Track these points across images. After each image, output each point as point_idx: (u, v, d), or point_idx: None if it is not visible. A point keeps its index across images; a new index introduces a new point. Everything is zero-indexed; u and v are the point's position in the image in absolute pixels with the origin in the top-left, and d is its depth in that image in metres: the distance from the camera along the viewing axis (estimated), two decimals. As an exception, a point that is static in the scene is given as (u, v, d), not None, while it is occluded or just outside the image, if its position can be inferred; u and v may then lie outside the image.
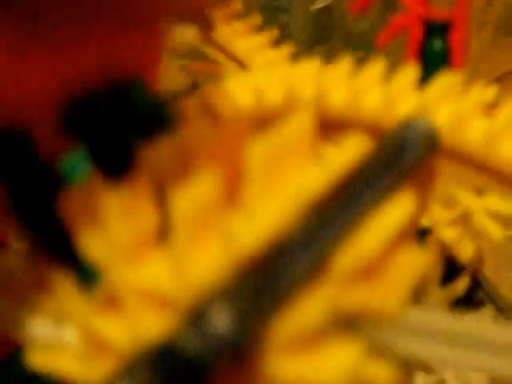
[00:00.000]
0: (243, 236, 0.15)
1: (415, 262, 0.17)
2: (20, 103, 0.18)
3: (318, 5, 0.93)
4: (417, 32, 0.35)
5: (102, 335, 0.17)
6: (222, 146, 0.17)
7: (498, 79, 1.11)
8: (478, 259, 0.33)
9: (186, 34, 0.22)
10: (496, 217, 0.31)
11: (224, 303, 0.13)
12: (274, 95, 0.25)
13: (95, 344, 0.17)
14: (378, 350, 0.16)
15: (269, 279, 0.14)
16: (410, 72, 0.24)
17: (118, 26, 0.20)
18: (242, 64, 0.38)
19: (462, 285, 0.31)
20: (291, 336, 0.14)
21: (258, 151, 0.16)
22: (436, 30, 0.35)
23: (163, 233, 0.16)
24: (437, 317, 0.16)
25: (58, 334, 0.18)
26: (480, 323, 0.15)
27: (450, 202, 0.31)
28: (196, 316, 0.13)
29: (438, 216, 0.31)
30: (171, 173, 0.17)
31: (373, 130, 0.24)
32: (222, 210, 0.16)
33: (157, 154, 0.18)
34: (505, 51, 1.20)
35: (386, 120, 0.23)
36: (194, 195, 0.15)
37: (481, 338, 0.15)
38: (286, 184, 0.16)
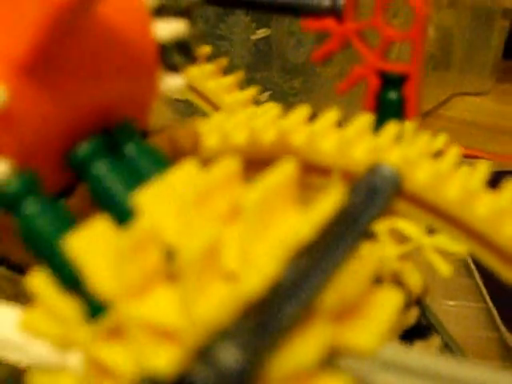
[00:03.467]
0: (245, 279, 0.16)
1: (391, 302, 0.18)
2: (30, 146, 0.19)
3: (258, 35, 0.94)
4: (374, 83, 0.36)
5: (107, 363, 0.17)
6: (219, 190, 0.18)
7: (426, 114, 1.13)
8: (424, 290, 0.34)
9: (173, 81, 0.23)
10: (443, 253, 0.32)
11: (230, 340, 0.14)
12: (238, 137, 0.26)
13: (99, 372, 0.17)
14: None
15: (267, 318, 0.15)
16: (364, 119, 0.26)
17: (117, 77, 0.21)
18: (212, 104, 0.39)
19: (413, 314, 0.33)
20: (290, 372, 0.15)
21: (250, 198, 0.17)
22: (392, 81, 0.36)
23: (167, 272, 0.17)
24: (414, 354, 0.17)
25: (62, 359, 0.18)
26: (454, 363, 0.17)
27: (401, 239, 0.33)
28: (204, 351, 0.14)
29: (390, 250, 0.33)
30: (171, 217, 0.18)
31: (329, 171, 0.25)
32: (223, 252, 0.17)
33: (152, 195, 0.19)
34: (434, 86, 1.22)
35: (342, 162, 0.25)
36: (199, 239, 0.16)
37: (452, 375, 0.17)
38: (277, 230, 0.18)
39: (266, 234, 0.17)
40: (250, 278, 0.16)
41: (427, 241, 0.32)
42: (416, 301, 0.34)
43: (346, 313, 0.17)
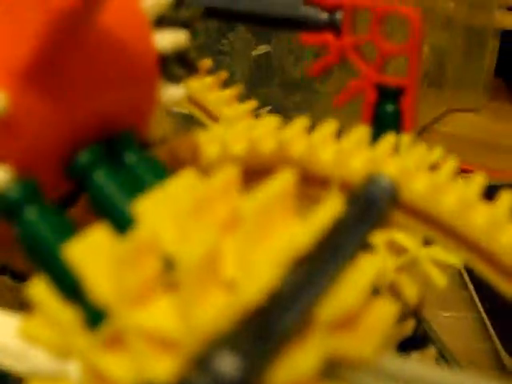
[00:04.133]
0: (244, 287, 0.15)
1: (387, 313, 0.17)
2: (31, 154, 0.19)
3: (259, 51, 0.94)
4: (371, 96, 0.36)
5: (106, 372, 0.17)
6: (217, 199, 0.18)
7: (422, 129, 1.13)
8: (421, 302, 0.34)
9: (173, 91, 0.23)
10: (439, 265, 0.32)
11: (229, 348, 0.14)
12: (237, 148, 0.26)
13: (98, 381, 0.17)
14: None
15: (266, 327, 0.15)
16: (362, 131, 0.25)
17: (117, 87, 0.20)
18: (212, 116, 0.39)
19: (409, 325, 0.32)
20: (287, 380, 0.15)
21: (249, 207, 0.17)
22: (389, 94, 0.36)
23: (166, 280, 0.16)
24: (412, 365, 0.16)
25: (61, 368, 0.18)
26: (451, 374, 0.16)
27: (398, 250, 0.32)
28: (203, 360, 0.14)
29: (388, 262, 0.32)
30: (170, 225, 0.17)
31: (327, 182, 0.25)
32: (221, 260, 0.16)
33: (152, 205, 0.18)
34: (429, 102, 1.23)
35: (340, 173, 0.24)
36: (197, 247, 0.16)
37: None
38: (276, 239, 0.17)
39: (264, 243, 0.17)
40: (249, 287, 0.15)
41: (423, 252, 0.32)
42: (412, 312, 0.34)
43: (344, 323, 0.17)
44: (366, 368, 0.16)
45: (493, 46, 1.27)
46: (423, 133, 1.13)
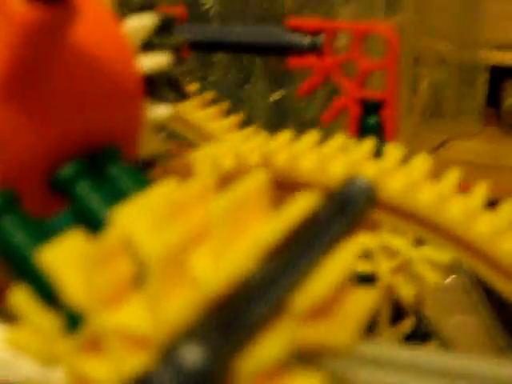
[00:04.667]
0: (210, 280, 0.13)
1: (364, 301, 0.15)
2: (14, 169, 0.17)
3: (276, 97, 0.94)
4: (355, 110, 0.34)
5: (88, 375, 0.15)
6: (190, 203, 0.16)
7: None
8: (419, 301, 0.32)
9: (161, 111, 0.21)
10: (432, 264, 0.30)
11: (195, 340, 0.12)
12: (226, 163, 0.25)
13: (81, 382, 0.15)
14: (337, 381, 0.14)
15: (234, 317, 0.13)
16: (340, 138, 0.24)
17: (98, 105, 0.19)
18: (198, 132, 0.38)
19: (408, 323, 0.30)
20: (257, 369, 0.13)
21: (220, 206, 0.15)
22: (371, 108, 0.34)
23: (138, 279, 0.15)
24: (388, 348, 0.14)
25: (47, 375, 0.16)
26: (427, 353, 0.14)
27: (392, 253, 0.30)
28: (170, 352, 0.12)
29: (382, 265, 0.30)
30: (143, 227, 0.16)
31: (310, 186, 0.23)
32: (190, 257, 0.14)
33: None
34: (431, 132, 1.23)
35: (321, 178, 0.23)
36: (165, 244, 0.14)
37: (428, 365, 0.14)
38: (246, 233, 0.15)
39: (235, 240, 0.15)
40: (214, 279, 0.13)
41: (415, 253, 0.29)
42: (412, 311, 0.32)
43: (321, 312, 0.15)
44: (344, 354, 0.14)
45: (483, 79, 1.29)
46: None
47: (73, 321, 0.15)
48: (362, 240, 0.29)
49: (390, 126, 0.33)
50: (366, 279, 0.30)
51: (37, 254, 0.15)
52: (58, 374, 0.16)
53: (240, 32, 0.35)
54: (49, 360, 0.16)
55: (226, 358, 0.12)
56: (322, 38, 0.34)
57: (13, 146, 0.17)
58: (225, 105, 0.40)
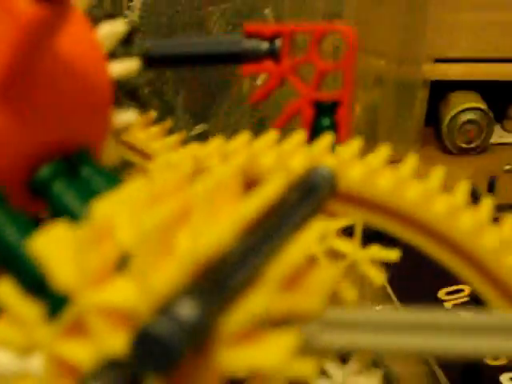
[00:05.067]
0: (195, 251, 0.16)
1: (327, 274, 0.18)
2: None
3: (197, 130, 0.96)
4: (309, 113, 0.37)
5: (69, 358, 0.17)
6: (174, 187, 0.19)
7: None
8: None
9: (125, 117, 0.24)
10: (377, 264, 0.32)
11: (190, 297, 0.14)
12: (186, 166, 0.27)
13: (60, 369, 0.17)
14: (305, 342, 0.17)
15: (220, 281, 0.15)
16: (299, 135, 0.26)
17: (75, 111, 0.21)
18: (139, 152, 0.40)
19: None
20: (237, 327, 0.15)
21: (199, 189, 0.17)
22: (325, 109, 0.37)
23: (122, 261, 0.17)
24: (350, 312, 0.17)
25: (24, 365, 0.18)
26: (386, 312, 0.17)
27: (337, 255, 0.33)
28: (166, 307, 0.14)
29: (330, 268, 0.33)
30: (124, 213, 0.18)
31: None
32: (173, 234, 0.17)
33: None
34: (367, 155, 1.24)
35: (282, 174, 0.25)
36: (151, 222, 0.16)
37: (388, 323, 0.17)
38: (223, 213, 0.18)
39: (214, 219, 0.17)
40: (197, 250, 0.16)
41: (361, 254, 0.32)
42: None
43: (292, 283, 0.17)
44: (311, 319, 0.17)
45: (422, 96, 1.28)
46: None
47: (56, 308, 0.17)
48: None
49: (344, 126, 0.36)
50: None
51: (26, 242, 0.17)
52: (35, 363, 0.18)
53: (197, 43, 0.38)
54: (27, 349, 0.18)
55: (214, 314, 0.15)
56: (279, 43, 0.37)
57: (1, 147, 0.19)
58: (168, 123, 0.42)
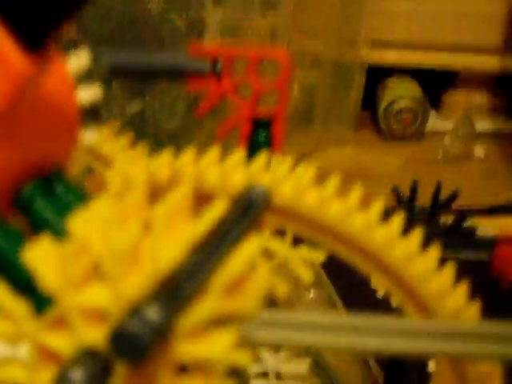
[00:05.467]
0: (159, 263, 0.21)
1: (262, 280, 0.24)
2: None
3: (133, 109, 1.01)
4: (247, 128, 0.43)
5: (52, 348, 0.22)
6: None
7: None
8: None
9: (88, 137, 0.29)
10: (306, 263, 0.39)
11: (154, 302, 0.20)
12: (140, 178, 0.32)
13: (44, 356, 0.22)
14: (242, 339, 0.22)
15: (177, 289, 0.21)
16: (239, 154, 0.32)
17: (53, 136, 0.26)
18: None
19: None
20: (190, 327, 0.21)
21: (159, 210, 0.23)
22: (261, 124, 0.43)
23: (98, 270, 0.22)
24: (284, 314, 0.23)
25: (13, 352, 0.23)
26: (315, 313, 0.23)
27: (270, 254, 0.39)
28: (135, 311, 0.20)
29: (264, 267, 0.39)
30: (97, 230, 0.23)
31: (216, 195, 0.31)
32: (140, 247, 0.22)
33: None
34: (299, 139, 1.28)
35: (224, 189, 0.31)
36: (120, 238, 0.22)
37: (315, 323, 0.23)
38: (177, 232, 0.23)
39: (169, 237, 0.23)
40: (159, 264, 0.21)
41: (292, 253, 0.38)
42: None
43: (233, 289, 0.23)
44: (249, 319, 0.23)
45: (359, 80, 1.36)
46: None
47: (42, 306, 0.23)
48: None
49: (278, 139, 0.42)
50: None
51: (21, 252, 0.22)
52: (23, 350, 0.23)
53: (147, 59, 0.43)
54: (16, 338, 0.23)
55: (173, 316, 0.20)
56: (220, 64, 0.43)
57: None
58: (130, 135, 0.48)
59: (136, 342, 0.19)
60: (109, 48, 0.42)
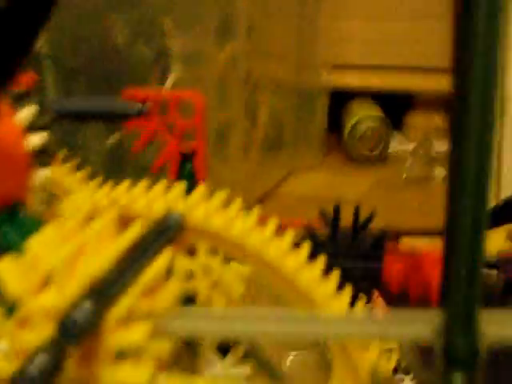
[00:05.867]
0: (92, 272, 0.31)
1: (174, 287, 0.33)
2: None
3: (113, 140, 1.09)
4: (175, 160, 0.54)
5: (21, 344, 0.32)
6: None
7: (265, 194, 1.27)
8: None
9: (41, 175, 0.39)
10: (238, 277, 0.48)
11: (88, 301, 0.30)
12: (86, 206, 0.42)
13: (18, 350, 0.32)
14: (157, 329, 0.32)
15: (105, 292, 0.31)
16: (160, 185, 0.42)
17: (13, 176, 0.36)
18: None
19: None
20: (116, 320, 0.31)
21: (92, 232, 0.33)
22: (187, 157, 0.54)
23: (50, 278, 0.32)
24: (195, 309, 0.33)
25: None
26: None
27: (207, 271, 0.48)
28: (75, 307, 0.29)
29: (201, 282, 0.48)
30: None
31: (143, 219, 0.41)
32: (78, 260, 0.32)
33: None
34: (270, 167, 1.34)
35: (150, 213, 0.40)
36: (63, 254, 0.31)
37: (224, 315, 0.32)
38: (106, 248, 0.33)
39: (99, 251, 0.33)
40: (95, 271, 0.31)
41: (225, 269, 0.48)
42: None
43: (150, 292, 0.33)
44: (164, 313, 0.32)
45: (322, 104, 1.43)
46: (266, 198, 1.28)
47: (10, 310, 0.32)
48: (183, 263, 0.48)
49: (201, 169, 0.53)
50: (189, 299, 0.48)
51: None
52: (1, 346, 0.33)
53: (84, 103, 0.54)
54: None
55: (103, 311, 0.30)
56: (147, 106, 0.54)
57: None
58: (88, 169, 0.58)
59: (74, 326, 0.29)
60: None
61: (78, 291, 0.31)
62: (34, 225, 0.36)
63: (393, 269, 0.53)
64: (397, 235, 0.61)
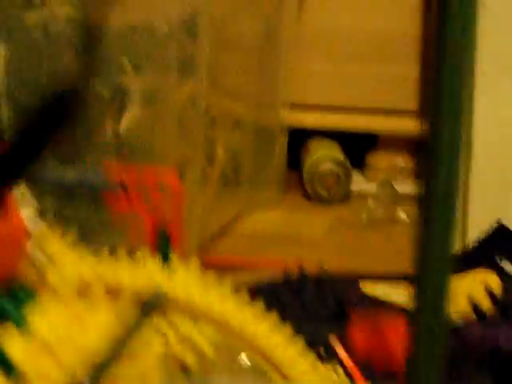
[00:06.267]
0: (85, 347, 0.37)
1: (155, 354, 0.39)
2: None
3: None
4: (153, 233, 0.59)
5: None
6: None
7: (221, 232, 1.30)
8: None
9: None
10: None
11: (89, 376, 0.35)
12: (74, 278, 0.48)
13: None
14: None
15: (99, 369, 0.36)
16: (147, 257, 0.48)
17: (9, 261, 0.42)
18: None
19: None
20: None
21: (82, 307, 0.39)
22: (163, 233, 0.60)
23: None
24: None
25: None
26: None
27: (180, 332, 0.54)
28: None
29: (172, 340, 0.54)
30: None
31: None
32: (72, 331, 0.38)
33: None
34: (226, 203, 1.37)
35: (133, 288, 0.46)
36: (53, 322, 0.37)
37: None
38: (97, 321, 0.39)
39: (90, 325, 0.38)
40: (85, 346, 0.37)
41: (195, 330, 0.54)
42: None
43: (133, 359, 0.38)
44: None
45: (281, 143, 1.48)
46: (222, 235, 1.31)
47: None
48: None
49: (175, 243, 0.58)
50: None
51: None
52: None
53: (63, 175, 0.60)
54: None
55: (100, 378, 0.36)
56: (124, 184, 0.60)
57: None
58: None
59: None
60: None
61: (73, 362, 0.36)
62: (26, 296, 0.42)
63: (357, 338, 0.59)
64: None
